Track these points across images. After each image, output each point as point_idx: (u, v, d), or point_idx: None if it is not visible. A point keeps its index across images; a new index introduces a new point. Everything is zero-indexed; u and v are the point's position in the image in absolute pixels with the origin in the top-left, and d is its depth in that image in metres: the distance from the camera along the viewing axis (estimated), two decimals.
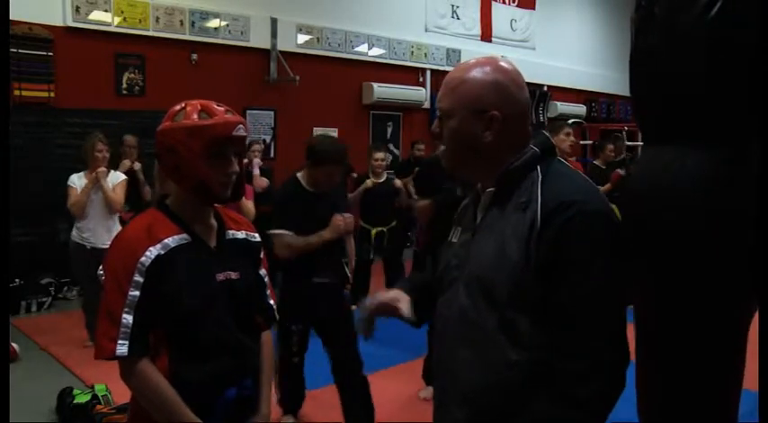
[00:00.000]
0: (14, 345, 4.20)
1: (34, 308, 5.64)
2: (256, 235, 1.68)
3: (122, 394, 3.37)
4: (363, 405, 3.02)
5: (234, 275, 1.52)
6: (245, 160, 5.71)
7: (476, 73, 1.25)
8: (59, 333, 4.89)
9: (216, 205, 1.57)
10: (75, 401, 3.38)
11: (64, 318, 5.41)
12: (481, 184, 1.33)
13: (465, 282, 1.26)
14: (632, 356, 1.25)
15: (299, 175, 3.01)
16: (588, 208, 1.15)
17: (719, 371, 1.34)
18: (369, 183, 5.40)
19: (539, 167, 1.23)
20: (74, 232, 4.50)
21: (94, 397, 3.40)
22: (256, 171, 5.73)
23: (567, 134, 4.13)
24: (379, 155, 5.52)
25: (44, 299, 5.73)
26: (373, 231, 5.41)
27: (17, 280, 5.51)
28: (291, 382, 3.21)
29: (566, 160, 3.86)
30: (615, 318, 1.16)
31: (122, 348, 1.37)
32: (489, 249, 1.21)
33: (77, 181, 4.46)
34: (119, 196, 4.48)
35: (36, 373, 4.04)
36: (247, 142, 1.64)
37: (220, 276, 1.50)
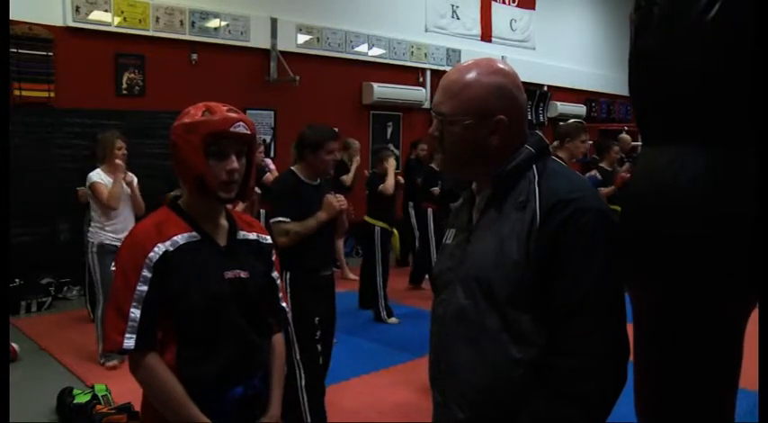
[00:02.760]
0: (14, 345, 4.20)
1: (34, 308, 5.64)
2: (268, 237, 1.69)
3: (122, 394, 3.39)
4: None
5: (243, 274, 1.53)
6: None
7: (478, 76, 1.24)
8: (59, 333, 4.90)
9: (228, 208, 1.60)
10: (75, 401, 3.38)
11: (64, 318, 5.42)
12: (477, 185, 1.33)
13: (463, 282, 1.26)
14: (631, 356, 1.25)
15: (293, 168, 3.00)
16: (585, 206, 1.16)
17: (716, 370, 1.34)
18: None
19: (534, 167, 1.23)
20: (102, 235, 4.24)
21: (94, 397, 3.40)
22: (272, 166, 5.80)
23: (584, 141, 4.13)
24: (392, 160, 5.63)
25: (44, 299, 5.73)
26: (396, 233, 5.54)
27: (17, 280, 5.51)
28: (318, 394, 2.93)
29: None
30: (614, 314, 1.16)
31: (129, 341, 1.40)
32: (488, 249, 1.22)
33: (104, 177, 4.25)
34: (141, 199, 4.43)
35: (36, 373, 4.04)
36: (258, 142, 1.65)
37: (229, 274, 1.51)
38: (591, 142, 10.29)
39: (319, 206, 2.88)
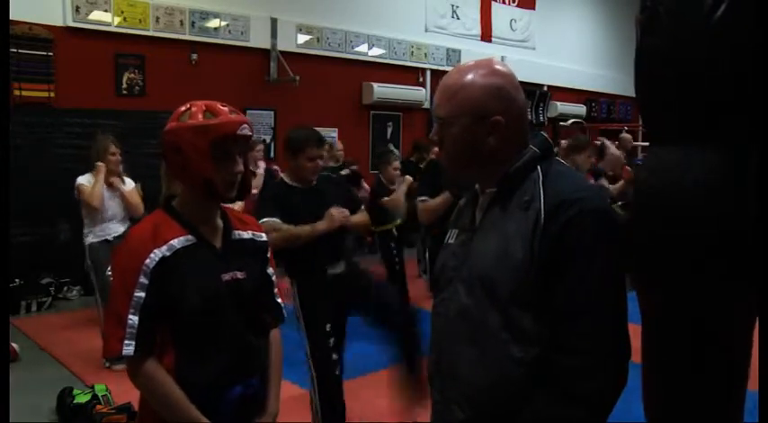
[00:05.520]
0: (14, 345, 4.20)
1: (34, 308, 5.64)
2: (263, 235, 1.69)
3: (122, 394, 3.39)
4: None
5: (240, 275, 1.54)
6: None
7: (474, 78, 1.24)
8: (59, 333, 4.90)
9: (223, 206, 1.60)
10: (75, 401, 3.38)
11: (64, 318, 5.41)
12: (480, 185, 1.34)
13: (465, 281, 1.26)
14: (636, 356, 1.25)
15: (282, 175, 3.02)
16: (590, 206, 1.16)
17: (721, 370, 1.34)
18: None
19: (539, 167, 1.24)
20: (90, 237, 4.30)
21: (94, 397, 3.40)
22: (260, 170, 5.76)
23: (589, 156, 4.28)
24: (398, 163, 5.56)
25: (44, 299, 5.73)
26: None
27: (17, 280, 5.50)
28: (334, 401, 2.83)
29: None
30: (616, 314, 1.16)
31: (128, 348, 1.40)
32: (491, 248, 1.22)
33: (90, 180, 4.26)
34: (137, 201, 4.42)
35: (36, 373, 4.03)
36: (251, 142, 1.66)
37: (226, 276, 1.51)
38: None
39: (309, 209, 2.77)
